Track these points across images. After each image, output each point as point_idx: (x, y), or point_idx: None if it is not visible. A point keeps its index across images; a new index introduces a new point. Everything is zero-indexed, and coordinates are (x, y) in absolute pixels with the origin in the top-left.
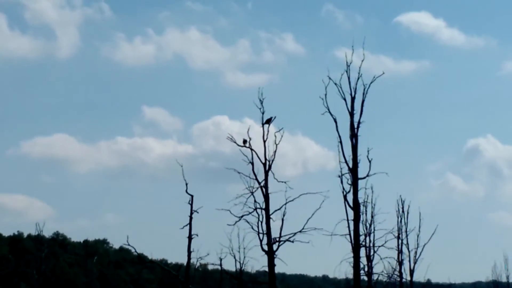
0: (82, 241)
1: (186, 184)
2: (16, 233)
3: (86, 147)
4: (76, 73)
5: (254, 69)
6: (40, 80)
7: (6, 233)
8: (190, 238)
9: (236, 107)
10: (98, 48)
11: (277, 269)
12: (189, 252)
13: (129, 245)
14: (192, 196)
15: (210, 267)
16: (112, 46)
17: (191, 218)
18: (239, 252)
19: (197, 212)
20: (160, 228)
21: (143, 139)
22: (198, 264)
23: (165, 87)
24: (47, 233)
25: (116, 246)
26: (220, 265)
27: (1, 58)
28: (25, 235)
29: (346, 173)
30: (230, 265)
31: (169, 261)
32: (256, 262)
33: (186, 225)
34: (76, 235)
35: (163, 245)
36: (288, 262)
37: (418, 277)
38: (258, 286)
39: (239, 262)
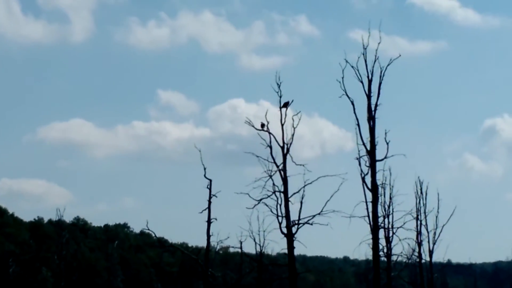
0: (102, 226)
1: (205, 169)
2: (36, 218)
3: (104, 132)
4: (90, 57)
5: (269, 51)
6: (55, 65)
7: (26, 219)
8: (209, 222)
9: (252, 90)
10: (112, 32)
11: (298, 251)
12: (208, 236)
13: (148, 229)
14: (210, 180)
15: (230, 250)
16: (126, 30)
17: (209, 202)
18: (258, 235)
19: (216, 197)
20: (179, 212)
21: (160, 123)
22: (218, 247)
23: (180, 71)
24: (68, 218)
25: (137, 230)
26: (241, 248)
27: (16, 44)
28: (46, 220)
29: (364, 156)
30: (250, 248)
31: (189, 245)
32: (276, 245)
33: (205, 209)
34: (96, 220)
35: (182, 229)
36: (308, 244)
37: (437, 257)
38: (278, 268)
39: (259, 245)
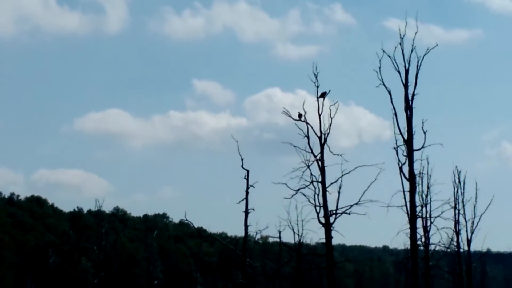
0: (141, 216)
1: (242, 160)
2: (76, 209)
3: (141, 122)
4: (126, 48)
5: (305, 40)
6: (91, 56)
7: (66, 209)
8: (246, 212)
9: (288, 79)
10: (147, 22)
11: (337, 241)
12: (246, 226)
13: (187, 220)
14: (248, 171)
15: (269, 240)
16: (161, 20)
17: (247, 193)
18: (297, 224)
19: (253, 187)
20: (218, 201)
21: (196, 113)
22: (258, 237)
23: (215, 60)
24: (107, 208)
25: (176, 220)
26: (279, 237)
27: (52, 35)
28: (85, 211)
29: (402, 145)
30: (289, 238)
31: (228, 234)
32: (314, 234)
33: (243, 199)
34: (135, 210)
35: (221, 219)
36: (347, 234)
37: (476, 247)
38: (316, 257)
39: (297, 235)
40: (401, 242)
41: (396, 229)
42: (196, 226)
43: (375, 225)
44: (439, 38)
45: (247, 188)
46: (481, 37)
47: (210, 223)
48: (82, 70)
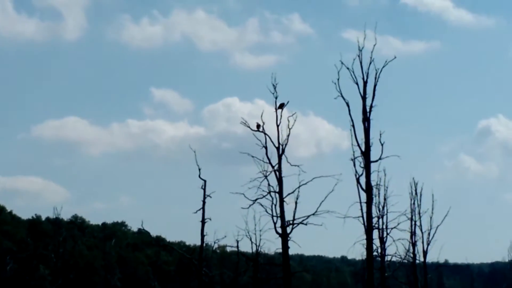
0: (100, 224)
1: (199, 169)
2: (34, 216)
3: (99, 130)
4: (84, 55)
5: (263, 50)
6: (48, 63)
7: (24, 216)
8: (203, 222)
9: (246, 89)
10: (105, 29)
11: (295, 251)
12: (202, 236)
13: (143, 229)
14: (205, 181)
15: (228, 249)
16: (119, 28)
17: (204, 202)
18: (255, 234)
19: (210, 197)
20: (176, 210)
21: (154, 121)
22: (216, 246)
23: (173, 69)
24: (65, 216)
25: (134, 228)
26: (237, 247)
27: (9, 41)
28: (43, 218)
29: (359, 156)
30: (247, 247)
31: (187, 243)
32: (272, 244)
33: (200, 209)
34: (93, 218)
35: (180, 227)
36: (306, 244)
37: (432, 258)
38: (274, 267)
39: (255, 244)
40: (358, 252)
41: (353, 239)
42: (155, 235)
43: (332, 235)
44: (397, 49)
45: (204, 198)
46: (439, 49)
47: (168, 231)
48: (39, 77)
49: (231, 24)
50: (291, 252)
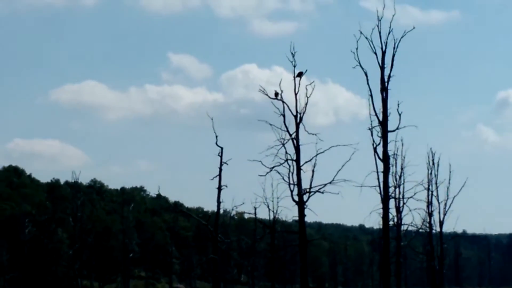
0: (119, 189)
1: (216, 137)
2: (53, 180)
3: (117, 94)
4: (102, 20)
5: (282, 17)
6: (67, 27)
7: (43, 180)
8: (219, 189)
9: (264, 55)
10: None
11: (314, 218)
12: (219, 203)
13: (160, 195)
14: (222, 148)
15: (245, 216)
16: None
17: (220, 169)
18: (272, 201)
19: (227, 164)
20: (195, 176)
21: (172, 87)
22: (233, 212)
23: (191, 34)
24: (84, 180)
25: (153, 193)
26: (255, 214)
27: (28, 6)
28: (62, 182)
29: (376, 126)
30: (264, 214)
31: (205, 209)
32: (289, 212)
33: (216, 176)
34: (112, 182)
35: (198, 193)
36: (324, 212)
37: (449, 228)
38: (291, 235)
39: (273, 212)
40: (375, 221)
41: (370, 209)
42: (173, 200)
43: (350, 204)
44: (416, 18)
45: (221, 165)
46: (458, 19)
47: (187, 197)
48: (58, 42)
49: None
50: (309, 220)
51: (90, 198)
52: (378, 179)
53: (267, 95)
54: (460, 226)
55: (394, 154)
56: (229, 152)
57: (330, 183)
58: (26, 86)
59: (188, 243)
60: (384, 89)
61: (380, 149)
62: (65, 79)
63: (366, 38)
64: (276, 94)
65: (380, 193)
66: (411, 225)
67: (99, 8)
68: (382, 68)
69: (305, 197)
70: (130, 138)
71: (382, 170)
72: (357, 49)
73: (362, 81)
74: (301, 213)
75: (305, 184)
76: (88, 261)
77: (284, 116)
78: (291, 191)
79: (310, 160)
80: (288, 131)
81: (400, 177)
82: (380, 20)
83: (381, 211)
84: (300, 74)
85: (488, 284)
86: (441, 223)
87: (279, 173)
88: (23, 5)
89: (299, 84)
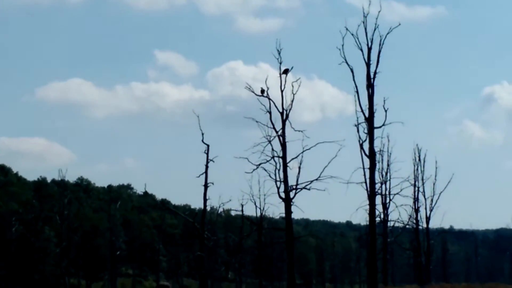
0: (105, 187)
1: (202, 134)
2: (40, 178)
3: (103, 92)
4: (88, 17)
5: (267, 13)
6: (53, 24)
7: (30, 178)
8: (206, 186)
9: (250, 52)
10: None
11: (301, 215)
12: (205, 200)
13: (146, 192)
14: (208, 146)
15: (233, 213)
16: None
17: (207, 167)
18: (259, 198)
19: (213, 162)
20: (182, 173)
21: (158, 84)
22: (221, 209)
23: (177, 32)
24: (71, 178)
25: (140, 191)
26: (242, 211)
27: (13, 3)
28: (49, 180)
29: (363, 122)
30: (251, 211)
31: (192, 206)
32: (276, 208)
33: (202, 173)
34: (98, 180)
35: (185, 190)
36: (311, 209)
37: (435, 224)
38: (278, 231)
39: (260, 208)
40: (363, 217)
41: (357, 205)
42: (160, 198)
43: (337, 200)
44: (401, 14)
45: (207, 162)
46: (444, 14)
47: (174, 194)
48: (43, 39)
49: None
50: (296, 216)
51: (77, 196)
52: (365, 175)
53: (253, 92)
54: (447, 222)
55: (380, 150)
56: (215, 149)
57: (316, 179)
58: (12, 84)
59: (175, 241)
60: (370, 86)
61: (366, 146)
62: (51, 77)
63: (352, 34)
64: (262, 91)
65: (367, 189)
66: (398, 221)
67: (84, 6)
68: (368, 64)
69: (291, 194)
70: (116, 136)
71: (368, 166)
72: (343, 45)
73: (348, 77)
74: (288, 210)
75: (291, 181)
76: (75, 259)
77: (270, 113)
78: (278, 188)
79: (296, 157)
80: (274, 128)
81: (386, 173)
82: (366, 17)
83: (367, 207)
84: (286, 71)
85: (476, 279)
86: (428, 219)
87: (265, 170)
88: (9, 3)
89: (285, 81)
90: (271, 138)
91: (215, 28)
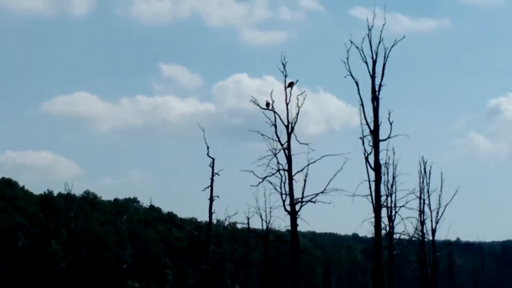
0: (112, 200)
1: (208, 148)
2: (46, 191)
3: (109, 105)
4: (92, 31)
5: (272, 26)
6: (57, 38)
7: (36, 192)
8: (211, 199)
9: (255, 65)
10: (113, 5)
11: (307, 228)
12: (210, 213)
13: (152, 206)
14: (213, 159)
15: (239, 226)
16: (128, 3)
17: (212, 180)
18: (265, 211)
19: (218, 175)
20: (188, 186)
21: (164, 97)
22: (227, 222)
23: (182, 45)
24: (77, 191)
25: (146, 204)
26: (248, 224)
27: (17, 17)
28: (55, 193)
29: (368, 135)
30: (257, 224)
31: (198, 219)
32: (282, 221)
33: (208, 187)
34: (105, 194)
35: (191, 204)
36: (317, 221)
37: (441, 236)
38: (284, 244)
39: (265, 221)
40: (369, 230)
41: (363, 217)
42: (166, 211)
43: (343, 213)
44: (406, 27)
45: (212, 175)
46: (448, 27)
47: (180, 208)
48: (48, 53)
49: (239, 0)
50: (303, 229)
51: (83, 209)
52: (370, 188)
53: (258, 105)
54: (454, 234)
55: (385, 163)
56: (221, 162)
57: (322, 192)
58: (18, 98)
59: (181, 254)
60: (375, 98)
61: (371, 158)
62: (57, 91)
63: (357, 47)
64: (268, 104)
65: (372, 202)
66: (404, 234)
67: (89, 19)
68: (373, 77)
69: (297, 207)
70: (122, 149)
71: (373, 179)
72: (347, 58)
73: (353, 90)
74: (294, 223)
75: (297, 194)
76: (82, 272)
77: (275, 126)
78: (283, 201)
79: (302, 170)
80: (279, 141)
81: (392, 186)
82: (370, 30)
83: (373, 220)
84: (291, 84)
85: None
86: (434, 231)
87: (271, 183)
88: (13, 17)
89: (290, 94)
90: (277, 151)
91: (220, 41)
